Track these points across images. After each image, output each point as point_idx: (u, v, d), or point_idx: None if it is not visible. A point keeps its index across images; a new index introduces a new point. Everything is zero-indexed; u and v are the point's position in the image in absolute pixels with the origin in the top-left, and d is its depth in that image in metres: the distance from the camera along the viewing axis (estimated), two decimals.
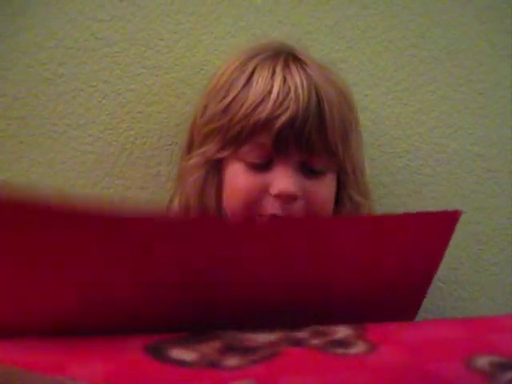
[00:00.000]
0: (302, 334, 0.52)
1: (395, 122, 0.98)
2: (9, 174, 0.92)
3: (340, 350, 0.49)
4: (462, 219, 0.98)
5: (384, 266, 0.58)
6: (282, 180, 0.78)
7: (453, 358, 0.48)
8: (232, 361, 0.47)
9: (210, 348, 0.49)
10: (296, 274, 0.56)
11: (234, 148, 0.80)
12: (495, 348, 0.50)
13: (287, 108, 0.77)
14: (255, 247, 0.54)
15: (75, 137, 0.93)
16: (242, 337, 0.51)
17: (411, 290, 0.62)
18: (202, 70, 0.93)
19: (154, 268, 0.51)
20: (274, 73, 0.80)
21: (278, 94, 0.78)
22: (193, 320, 0.52)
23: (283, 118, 0.77)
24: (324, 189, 0.81)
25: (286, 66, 0.80)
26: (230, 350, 0.49)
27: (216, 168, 0.83)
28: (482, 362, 0.47)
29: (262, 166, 0.79)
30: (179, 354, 0.48)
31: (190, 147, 0.86)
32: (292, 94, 0.78)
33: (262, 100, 0.78)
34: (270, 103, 0.77)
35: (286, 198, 0.77)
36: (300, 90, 0.78)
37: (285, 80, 0.79)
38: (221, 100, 0.81)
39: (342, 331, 0.53)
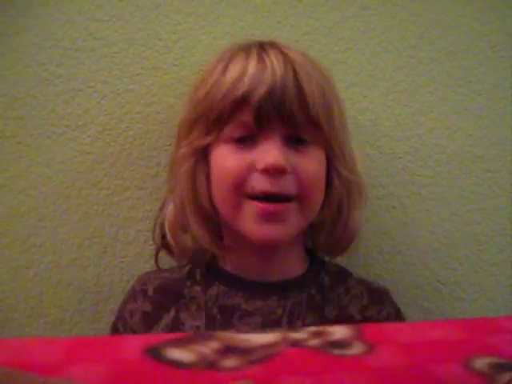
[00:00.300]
0: (299, 335, 0.52)
1: (394, 123, 0.98)
2: (7, 174, 0.92)
3: (338, 351, 0.49)
4: (462, 220, 0.99)
5: None
6: (268, 153, 0.76)
7: (451, 359, 0.48)
8: (230, 361, 0.47)
9: (208, 349, 0.49)
10: None
11: (217, 131, 0.79)
12: (494, 349, 0.50)
13: (264, 81, 0.77)
14: None
15: (74, 137, 0.93)
16: (240, 338, 0.51)
17: None
18: (201, 70, 0.93)
19: None
20: (249, 54, 0.80)
21: (254, 70, 0.77)
22: None
23: (261, 91, 0.76)
24: (312, 162, 0.79)
25: (262, 48, 0.81)
26: (228, 350, 0.49)
27: (204, 157, 0.82)
28: (481, 363, 0.47)
29: (247, 144, 0.78)
30: (177, 354, 0.48)
31: (178, 141, 0.85)
32: (268, 69, 0.77)
33: (239, 79, 0.78)
34: (247, 79, 0.77)
35: (273, 171, 0.76)
36: (276, 64, 0.78)
37: (260, 58, 0.79)
38: (202, 89, 0.81)
39: (339, 332, 0.53)
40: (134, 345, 0.49)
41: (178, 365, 0.46)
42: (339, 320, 0.80)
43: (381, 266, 0.97)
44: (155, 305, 0.82)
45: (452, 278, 0.99)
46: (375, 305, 0.84)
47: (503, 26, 1.00)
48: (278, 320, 0.79)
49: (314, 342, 0.51)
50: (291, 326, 0.79)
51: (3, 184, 0.92)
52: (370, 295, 0.85)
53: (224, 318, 0.79)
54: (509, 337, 0.53)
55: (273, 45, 0.82)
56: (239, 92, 0.77)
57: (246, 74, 0.77)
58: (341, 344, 0.51)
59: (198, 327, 0.79)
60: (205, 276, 0.84)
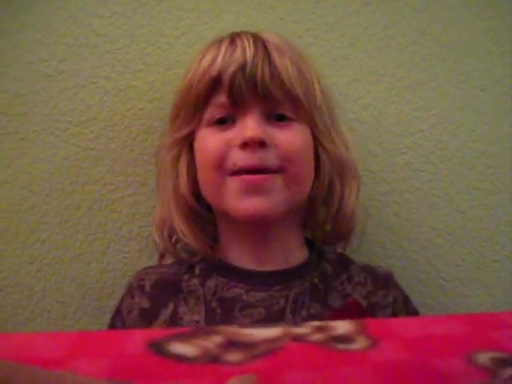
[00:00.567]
0: (302, 330, 0.52)
1: (397, 118, 0.98)
2: (10, 170, 0.92)
3: (341, 346, 0.49)
4: (464, 216, 0.99)
5: None
6: (245, 128, 0.77)
7: (454, 354, 0.48)
8: (233, 356, 0.47)
9: (212, 343, 0.49)
10: None
11: (198, 117, 0.81)
12: (497, 344, 0.50)
13: (235, 60, 0.78)
14: None
15: (77, 133, 0.93)
16: (243, 332, 0.51)
17: None
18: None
19: None
20: (221, 40, 0.82)
21: (226, 52, 0.79)
22: None
23: (232, 69, 0.78)
24: (295, 136, 0.79)
25: (236, 34, 0.82)
26: (231, 345, 0.49)
27: (189, 145, 0.83)
28: (484, 357, 0.47)
29: (228, 125, 0.79)
30: (180, 349, 0.48)
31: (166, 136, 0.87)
32: (238, 49, 0.79)
33: (212, 62, 0.79)
34: (219, 60, 0.79)
35: (252, 144, 0.76)
36: (246, 44, 0.79)
37: (232, 41, 0.80)
38: (182, 83, 0.83)
39: (342, 327, 0.53)
40: (137, 339, 0.49)
41: (181, 359, 0.46)
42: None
43: (383, 261, 0.97)
44: (152, 300, 0.81)
45: (454, 273, 0.99)
46: (380, 290, 0.83)
47: (506, 21, 1.00)
48: (282, 311, 0.78)
49: (317, 336, 0.51)
50: (295, 316, 0.78)
51: (6, 180, 0.92)
52: (373, 281, 0.84)
53: (224, 311, 0.78)
54: (511, 332, 0.53)
55: (247, 31, 0.83)
56: (212, 74, 0.78)
57: (218, 57, 0.79)
58: (344, 339, 0.51)
59: (197, 322, 0.78)
60: (203, 269, 0.83)
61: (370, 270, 0.86)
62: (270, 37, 0.82)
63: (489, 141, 1.00)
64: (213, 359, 0.47)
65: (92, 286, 0.94)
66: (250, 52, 0.78)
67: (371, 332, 0.52)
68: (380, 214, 0.98)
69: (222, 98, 0.79)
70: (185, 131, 0.82)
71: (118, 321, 0.83)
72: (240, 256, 0.83)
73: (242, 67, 0.77)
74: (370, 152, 0.97)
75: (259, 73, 0.77)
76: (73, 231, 0.93)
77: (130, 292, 0.84)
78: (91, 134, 0.93)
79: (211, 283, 0.81)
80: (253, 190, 0.76)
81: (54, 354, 0.47)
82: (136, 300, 0.82)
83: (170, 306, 0.80)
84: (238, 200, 0.77)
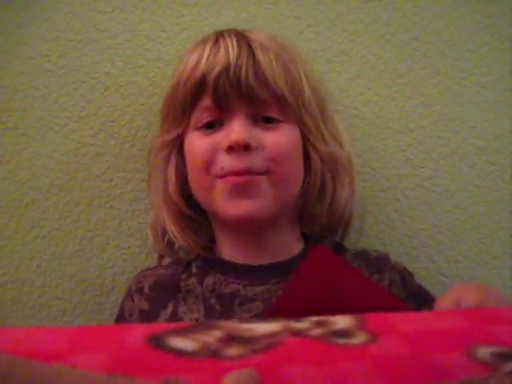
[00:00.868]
0: (302, 325, 0.52)
1: (398, 115, 0.98)
2: (10, 166, 0.92)
3: (341, 341, 0.49)
4: (465, 212, 0.99)
5: None
6: (231, 131, 0.77)
7: (454, 349, 0.48)
8: (233, 350, 0.47)
9: (211, 338, 0.49)
10: None
11: (185, 120, 0.81)
12: (497, 339, 0.50)
13: (218, 61, 0.78)
14: None
15: (76, 129, 0.93)
16: (243, 327, 0.51)
17: None
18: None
19: None
20: (206, 40, 0.81)
21: (209, 53, 0.79)
22: None
23: (216, 70, 0.77)
24: (282, 138, 0.79)
25: (220, 33, 0.82)
26: (230, 339, 0.49)
27: (177, 148, 0.84)
28: (484, 352, 0.47)
29: (213, 127, 0.79)
30: (180, 343, 0.48)
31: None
32: (222, 50, 0.78)
33: (196, 64, 0.79)
34: (203, 63, 0.78)
35: (238, 148, 0.76)
36: (230, 44, 0.79)
37: (216, 41, 0.80)
38: (169, 87, 0.84)
39: (342, 321, 0.52)
40: (137, 333, 0.49)
41: (180, 353, 0.46)
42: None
43: None
44: (151, 302, 0.82)
45: (455, 270, 0.99)
46: (374, 274, 0.83)
47: (507, 18, 1.00)
48: None
49: (317, 331, 0.51)
50: None
51: (6, 176, 0.92)
52: (367, 266, 0.84)
53: (223, 307, 0.79)
54: (511, 327, 0.53)
55: (232, 29, 0.83)
56: (197, 76, 0.78)
57: (202, 59, 0.79)
58: (344, 333, 0.51)
59: (196, 320, 0.78)
60: (200, 267, 0.84)
61: (363, 256, 0.85)
62: (256, 34, 0.81)
63: (489, 137, 1.00)
64: (212, 354, 0.46)
65: (92, 281, 0.94)
66: (233, 53, 0.78)
67: (371, 327, 0.52)
68: (380, 211, 0.98)
69: (207, 102, 0.79)
70: (174, 133, 0.83)
71: (121, 323, 0.83)
72: (236, 252, 0.83)
73: (226, 69, 0.77)
74: (371, 148, 0.97)
75: (243, 74, 0.77)
76: (72, 227, 0.93)
77: (129, 295, 0.84)
78: (91, 130, 0.93)
79: (209, 281, 0.81)
80: (240, 193, 0.77)
81: (54, 348, 0.47)
82: (136, 302, 0.82)
83: (170, 307, 0.80)
84: (226, 202, 0.78)
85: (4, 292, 0.92)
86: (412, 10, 0.98)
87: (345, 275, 0.73)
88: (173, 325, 0.51)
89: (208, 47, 0.79)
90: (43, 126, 0.92)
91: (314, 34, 0.96)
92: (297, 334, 0.50)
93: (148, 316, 0.81)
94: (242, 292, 0.79)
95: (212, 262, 0.84)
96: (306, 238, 0.88)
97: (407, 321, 0.53)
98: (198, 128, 0.80)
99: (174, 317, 0.79)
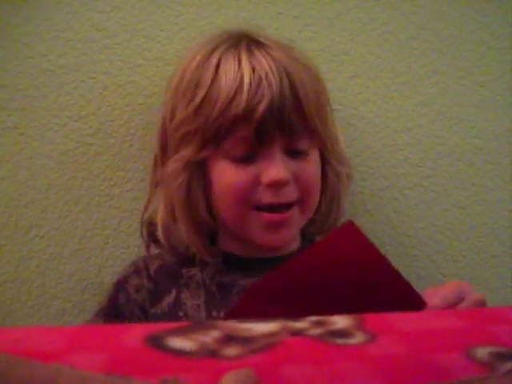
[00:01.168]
0: (301, 324, 0.52)
1: (396, 114, 0.98)
2: (9, 165, 0.92)
3: (340, 340, 0.49)
4: (464, 212, 0.99)
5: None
6: (271, 168, 0.78)
7: (453, 348, 0.48)
8: (231, 350, 0.47)
9: (210, 338, 0.49)
10: None
11: (214, 146, 0.79)
12: (495, 338, 0.50)
13: (262, 96, 0.77)
14: None
15: (76, 128, 0.93)
16: (241, 327, 0.51)
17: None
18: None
19: None
20: (240, 63, 0.79)
21: (251, 84, 0.77)
22: None
23: (261, 108, 0.76)
24: (311, 167, 0.82)
25: (250, 53, 0.80)
26: (229, 339, 0.49)
27: (199, 169, 0.82)
28: (482, 352, 0.47)
29: (248, 158, 0.79)
30: (179, 343, 0.48)
31: (163, 153, 0.85)
32: (264, 82, 0.77)
33: (236, 93, 0.77)
34: (245, 95, 0.77)
35: (278, 185, 0.78)
36: (271, 76, 0.78)
37: (253, 68, 0.78)
38: (190, 101, 0.80)
39: (341, 321, 0.53)
40: (135, 333, 0.49)
41: (179, 353, 0.46)
42: None
43: None
44: (156, 285, 0.84)
45: (454, 269, 1.00)
46: None
47: (506, 17, 1.00)
48: None
49: (316, 331, 0.51)
50: None
51: (5, 175, 0.92)
52: None
53: (223, 295, 0.82)
54: (510, 327, 0.53)
55: (257, 43, 0.81)
56: (238, 109, 0.77)
57: (243, 88, 0.77)
58: (342, 333, 0.51)
59: (198, 305, 0.81)
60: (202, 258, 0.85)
61: None
62: (286, 58, 0.80)
63: (488, 136, 1.00)
64: (211, 354, 0.47)
65: (91, 281, 0.94)
66: (276, 87, 0.77)
67: (370, 327, 0.52)
68: (379, 210, 0.98)
69: (245, 132, 0.78)
70: (197, 157, 0.81)
71: (124, 297, 0.84)
72: (239, 247, 0.85)
73: (271, 106, 0.77)
74: (369, 147, 0.97)
75: (286, 110, 0.78)
76: (72, 226, 0.93)
77: (137, 272, 0.85)
78: (90, 129, 0.93)
79: (210, 270, 0.84)
80: (275, 227, 0.81)
81: (52, 347, 0.47)
82: (144, 281, 0.84)
83: (173, 292, 0.83)
84: (262, 233, 0.81)
85: (3, 291, 0.92)
86: (410, 9, 0.98)
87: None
88: (171, 325, 0.51)
89: (246, 76, 0.77)
90: (42, 126, 0.92)
91: (312, 34, 0.96)
92: (295, 333, 0.50)
93: (154, 297, 0.83)
94: (241, 282, 0.82)
95: (214, 252, 0.85)
96: (303, 235, 0.90)
97: (406, 321, 0.53)
98: (231, 158, 0.79)
99: (178, 302, 0.82)
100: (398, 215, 0.98)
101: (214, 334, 0.49)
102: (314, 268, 0.66)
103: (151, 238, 0.89)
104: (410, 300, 0.67)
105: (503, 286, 1.01)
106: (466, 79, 0.99)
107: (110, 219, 0.94)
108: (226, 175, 0.80)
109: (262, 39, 0.82)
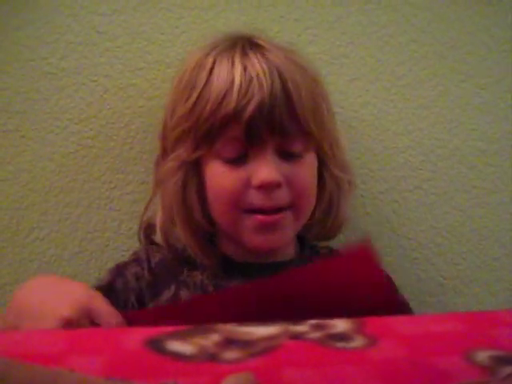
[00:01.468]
0: (301, 328, 0.52)
1: (397, 117, 0.98)
2: (10, 168, 0.92)
3: (340, 344, 0.50)
4: (464, 214, 0.99)
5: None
6: (262, 169, 0.77)
7: (453, 352, 0.48)
8: (231, 354, 0.47)
9: (209, 341, 0.49)
10: None
11: (207, 146, 0.79)
12: (495, 342, 0.50)
13: (252, 96, 0.76)
14: None
15: (77, 131, 0.93)
16: (241, 330, 0.51)
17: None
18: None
19: None
20: (233, 64, 0.79)
21: (241, 84, 0.77)
22: None
23: (250, 107, 0.76)
24: (305, 170, 0.81)
25: (245, 54, 0.80)
26: (229, 343, 0.49)
27: (194, 169, 0.82)
28: (482, 355, 0.47)
29: (239, 160, 0.79)
30: (178, 347, 0.48)
31: (163, 153, 0.85)
32: (255, 82, 0.77)
33: (226, 93, 0.77)
34: (235, 95, 0.77)
35: (269, 187, 0.77)
36: (262, 76, 0.77)
37: (245, 69, 0.78)
38: (185, 101, 0.81)
39: (341, 325, 0.53)
40: (135, 337, 0.49)
41: (179, 357, 0.47)
42: None
43: (382, 260, 0.97)
44: (155, 278, 0.83)
45: (454, 272, 0.99)
46: None
47: (506, 20, 1.00)
48: None
49: (316, 334, 0.51)
50: None
51: (6, 177, 0.92)
52: None
53: None
54: (510, 330, 0.53)
55: (253, 44, 0.81)
56: (228, 108, 0.77)
57: (233, 88, 0.77)
58: (342, 337, 0.51)
59: None
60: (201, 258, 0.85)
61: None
62: (281, 59, 0.80)
63: (489, 139, 1.00)
64: (211, 357, 0.47)
65: (91, 283, 0.94)
66: (266, 87, 0.76)
67: (369, 330, 0.52)
68: (379, 212, 0.98)
69: (235, 132, 0.77)
70: (191, 157, 0.81)
71: (122, 283, 0.83)
72: (235, 249, 0.85)
73: (260, 105, 0.76)
74: (370, 150, 0.97)
75: (277, 111, 0.77)
76: (72, 229, 0.93)
77: (138, 261, 0.85)
78: (91, 132, 0.93)
79: (209, 271, 0.83)
80: (267, 230, 0.79)
81: (52, 350, 0.47)
82: (144, 272, 0.83)
83: (172, 288, 0.82)
84: (254, 236, 0.80)
85: (3, 294, 0.92)
86: (411, 12, 0.98)
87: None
88: (171, 328, 0.51)
89: (237, 75, 0.77)
90: (43, 129, 0.92)
91: (312, 37, 0.96)
92: (295, 337, 0.51)
93: (153, 290, 0.82)
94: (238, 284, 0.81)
95: (212, 255, 0.85)
96: (302, 241, 0.89)
97: (406, 324, 0.53)
98: (223, 158, 0.79)
99: (176, 299, 0.81)
100: (399, 218, 0.98)
101: (214, 338, 0.50)
102: (317, 283, 0.66)
103: (148, 239, 0.88)
104: None
105: (504, 288, 1.00)
106: (466, 82, 0.99)
107: (111, 222, 0.94)
108: (218, 177, 0.80)
109: (260, 41, 0.82)
